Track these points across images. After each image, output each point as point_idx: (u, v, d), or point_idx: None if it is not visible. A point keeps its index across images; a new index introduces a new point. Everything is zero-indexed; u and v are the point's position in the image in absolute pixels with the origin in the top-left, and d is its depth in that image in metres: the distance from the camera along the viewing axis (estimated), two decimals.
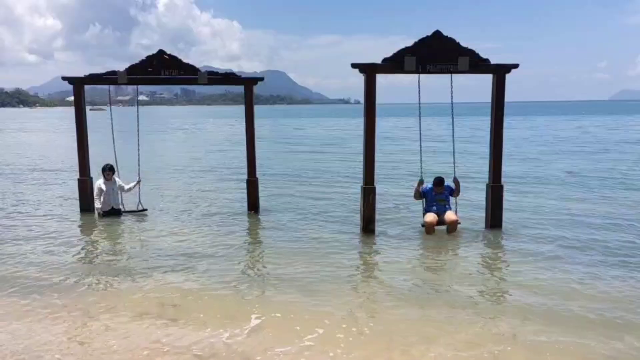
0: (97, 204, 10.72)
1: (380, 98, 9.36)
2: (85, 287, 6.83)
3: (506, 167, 10.14)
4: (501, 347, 5.06)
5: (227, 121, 68.57)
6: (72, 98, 11.39)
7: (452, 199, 9.71)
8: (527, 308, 6.00)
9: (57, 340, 5.24)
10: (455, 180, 9.61)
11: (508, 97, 9.35)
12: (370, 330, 5.51)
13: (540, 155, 23.00)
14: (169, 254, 8.23)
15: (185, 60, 10.62)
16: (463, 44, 8.93)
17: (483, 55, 9.00)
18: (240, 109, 11.14)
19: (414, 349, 5.04)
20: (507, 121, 9.76)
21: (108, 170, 10.73)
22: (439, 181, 9.49)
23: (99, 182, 10.75)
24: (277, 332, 5.45)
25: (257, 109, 11.31)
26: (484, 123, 8.99)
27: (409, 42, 9.02)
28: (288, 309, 6.05)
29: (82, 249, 8.78)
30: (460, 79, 9.23)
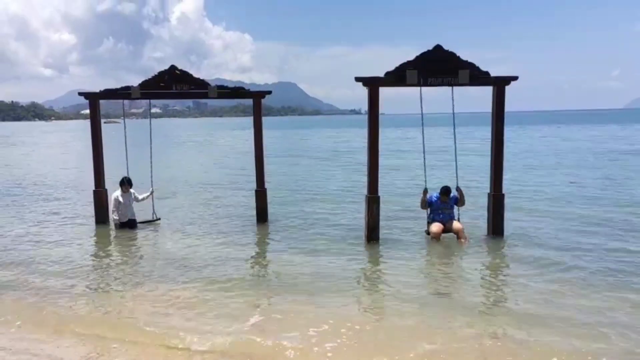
0: (115, 216, 11.00)
1: (387, 108, 9.67)
2: (102, 292, 7.19)
3: (508, 176, 10.36)
4: (498, 350, 5.30)
5: (238, 133, 69.27)
6: (86, 111, 11.87)
7: (456, 208, 9.96)
8: (525, 313, 6.22)
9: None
10: (459, 190, 9.85)
11: (519, 107, 9.69)
12: (371, 332, 5.78)
13: (543, 164, 23.16)
14: (182, 262, 8.58)
15: (196, 73, 11.08)
16: (466, 55, 9.21)
17: (491, 64, 9.41)
18: (251, 121, 11.51)
19: (413, 349, 5.28)
20: (515, 130, 9.99)
21: (126, 184, 11.06)
22: (445, 190, 9.74)
23: (116, 194, 11.05)
24: (280, 330, 5.77)
25: (268, 120, 11.73)
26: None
27: (419, 52, 9.31)
28: (292, 311, 6.35)
29: (99, 258, 9.15)
30: (474, 89, 9.48)
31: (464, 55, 9.19)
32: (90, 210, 11.91)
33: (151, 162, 11.80)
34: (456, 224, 9.69)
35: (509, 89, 9.57)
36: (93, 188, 11.50)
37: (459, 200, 9.87)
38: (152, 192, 11.72)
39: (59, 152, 39.20)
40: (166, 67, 11.09)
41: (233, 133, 70.98)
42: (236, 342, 5.49)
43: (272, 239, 10.34)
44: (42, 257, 9.06)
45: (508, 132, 10.93)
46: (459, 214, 10.02)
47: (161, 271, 8.15)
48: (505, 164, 9.96)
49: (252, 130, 11.49)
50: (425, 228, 9.95)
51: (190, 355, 5.25)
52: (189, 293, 7.08)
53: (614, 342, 5.40)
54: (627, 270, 7.76)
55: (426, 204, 9.87)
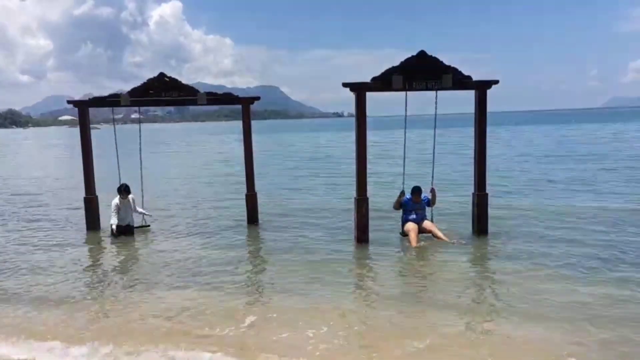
0: (113, 220, 10.94)
1: (372, 111, 9.97)
2: (96, 298, 7.33)
3: (492, 175, 10.70)
4: (481, 343, 5.60)
5: (224, 138, 69.20)
6: (64, 117, 12.30)
7: (428, 209, 10.31)
8: (509, 308, 6.53)
9: None
10: (432, 191, 10.19)
11: (499, 107, 10.00)
12: (361, 328, 6.07)
13: (524, 164, 23.76)
14: (173, 267, 8.74)
15: (177, 78, 11.22)
16: (449, 57, 9.56)
17: (472, 66, 9.74)
18: (233, 125, 11.73)
19: (401, 344, 5.54)
20: (496, 131, 10.37)
21: (124, 191, 11.07)
22: (416, 189, 10.11)
23: (115, 200, 11.03)
24: (275, 328, 6.02)
25: (252, 124, 11.87)
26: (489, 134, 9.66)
27: (400, 55, 9.64)
28: (286, 311, 6.59)
29: (92, 264, 9.28)
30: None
31: (447, 57, 9.53)
32: (80, 216, 11.97)
33: (141, 170, 11.94)
34: (428, 223, 10.09)
35: (491, 91, 9.93)
36: (84, 195, 11.58)
37: (431, 201, 10.23)
38: (148, 215, 11.88)
39: (40, 159, 38.81)
40: (146, 71, 11.54)
41: (218, 138, 70.79)
42: (233, 342, 5.69)
43: (263, 241, 10.56)
44: (34, 262, 9.17)
45: (494, 133, 11.33)
46: (432, 214, 10.37)
47: (155, 275, 8.30)
48: (489, 162, 10.33)
49: (235, 135, 11.70)
50: (400, 230, 10.25)
51: (187, 357, 5.42)
52: (184, 296, 7.25)
53: (593, 334, 5.70)
54: (609, 265, 8.15)
55: (399, 204, 10.20)
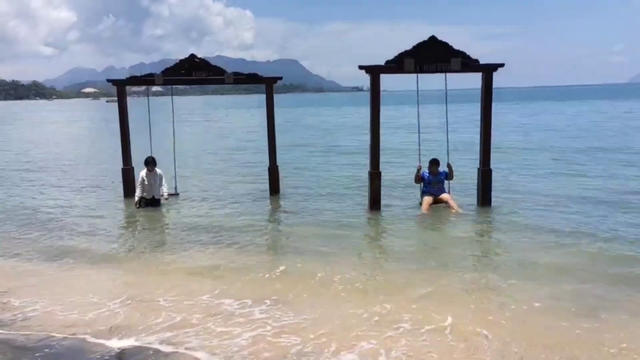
0: (138, 191, 11.55)
1: (388, 85, 10.88)
2: (130, 257, 8.48)
3: (495, 151, 11.48)
4: (484, 297, 6.54)
5: (243, 111, 70.26)
6: (88, 90, 13.31)
7: (447, 183, 11.18)
8: (508, 267, 7.42)
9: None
10: (449, 165, 11.05)
11: (518, 83, 10.78)
12: (373, 284, 7.02)
13: (528, 139, 24.35)
14: (203, 230, 9.82)
15: (197, 50, 12.40)
16: (471, 30, 10.41)
17: (496, 38, 10.38)
18: (252, 99, 12.63)
19: (410, 297, 6.47)
20: (509, 107, 11.11)
21: (151, 163, 11.51)
22: (433, 161, 11.00)
23: (142, 173, 11.65)
24: (298, 277, 7.08)
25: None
26: (500, 110, 10.36)
27: (420, 27, 10.44)
28: (305, 266, 7.61)
29: (127, 226, 10.46)
30: None
31: (472, 30, 10.39)
32: (116, 184, 13.15)
33: (174, 143, 13.03)
34: (445, 195, 10.97)
35: (509, 65, 10.70)
36: (122, 167, 12.71)
37: (449, 175, 11.08)
38: (176, 194, 12.63)
39: (73, 130, 40.42)
40: (166, 44, 13.22)
41: (239, 111, 71.91)
42: (263, 291, 6.75)
43: (284, 209, 11.58)
44: (75, 225, 10.34)
45: (505, 109, 12.11)
46: (449, 187, 11.24)
47: (185, 238, 9.32)
48: (494, 140, 11.13)
49: (255, 110, 12.65)
50: (420, 199, 11.18)
51: (218, 305, 6.47)
52: (213, 256, 8.24)
53: (588, 290, 6.54)
54: (604, 231, 8.97)
55: (419, 178, 11.10)
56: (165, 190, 11.86)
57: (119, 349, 5.26)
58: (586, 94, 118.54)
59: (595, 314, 5.82)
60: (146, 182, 11.57)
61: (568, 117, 43.52)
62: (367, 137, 10.97)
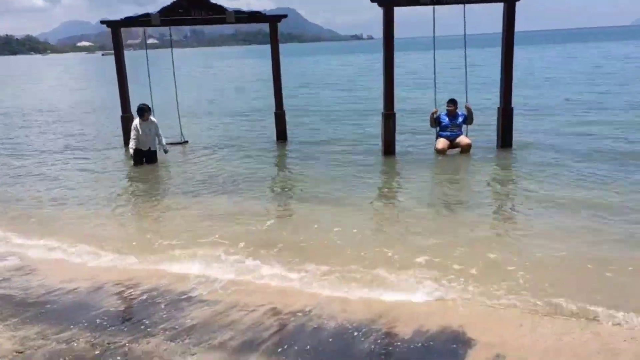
0: (132, 144, 10.38)
1: (398, 32, 10.08)
2: (136, 207, 8.05)
3: (515, 93, 10.79)
4: (505, 240, 6.14)
5: (242, 61, 68.57)
6: (83, 43, 12.53)
7: (464, 127, 10.56)
8: (532, 216, 6.86)
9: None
10: (468, 107, 10.41)
11: (525, 27, 9.96)
12: (388, 227, 6.68)
13: (545, 83, 23.51)
14: (210, 177, 9.37)
15: None
16: None
17: None
18: (250, 49, 11.97)
19: (426, 240, 6.04)
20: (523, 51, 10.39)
21: (144, 111, 10.31)
22: (451, 100, 10.37)
23: (135, 122, 10.52)
24: (305, 224, 6.75)
25: (268, 48, 12.06)
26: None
27: None
28: (314, 213, 7.22)
29: (130, 177, 9.91)
30: (487, 11, 9.84)
31: None
32: (116, 134, 12.63)
33: (176, 94, 12.47)
34: (463, 139, 10.30)
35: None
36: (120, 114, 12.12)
37: (468, 118, 10.45)
38: (185, 142, 12.12)
39: (74, 84, 39.45)
40: None
41: (238, 61, 70.11)
42: (269, 236, 6.37)
43: (292, 156, 11.08)
44: (75, 176, 9.91)
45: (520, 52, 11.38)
46: (467, 131, 10.63)
47: (193, 187, 8.86)
48: (514, 80, 10.45)
49: (254, 59, 11.95)
50: (434, 145, 10.58)
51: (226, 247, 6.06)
52: (222, 204, 7.84)
53: (611, 227, 6.17)
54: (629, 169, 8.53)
55: (435, 121, 10.48)
56: (163, 141, 10.73)
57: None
58: (599, 37, 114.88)
59: None
60: (140, 132, 10.31)
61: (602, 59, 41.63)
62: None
